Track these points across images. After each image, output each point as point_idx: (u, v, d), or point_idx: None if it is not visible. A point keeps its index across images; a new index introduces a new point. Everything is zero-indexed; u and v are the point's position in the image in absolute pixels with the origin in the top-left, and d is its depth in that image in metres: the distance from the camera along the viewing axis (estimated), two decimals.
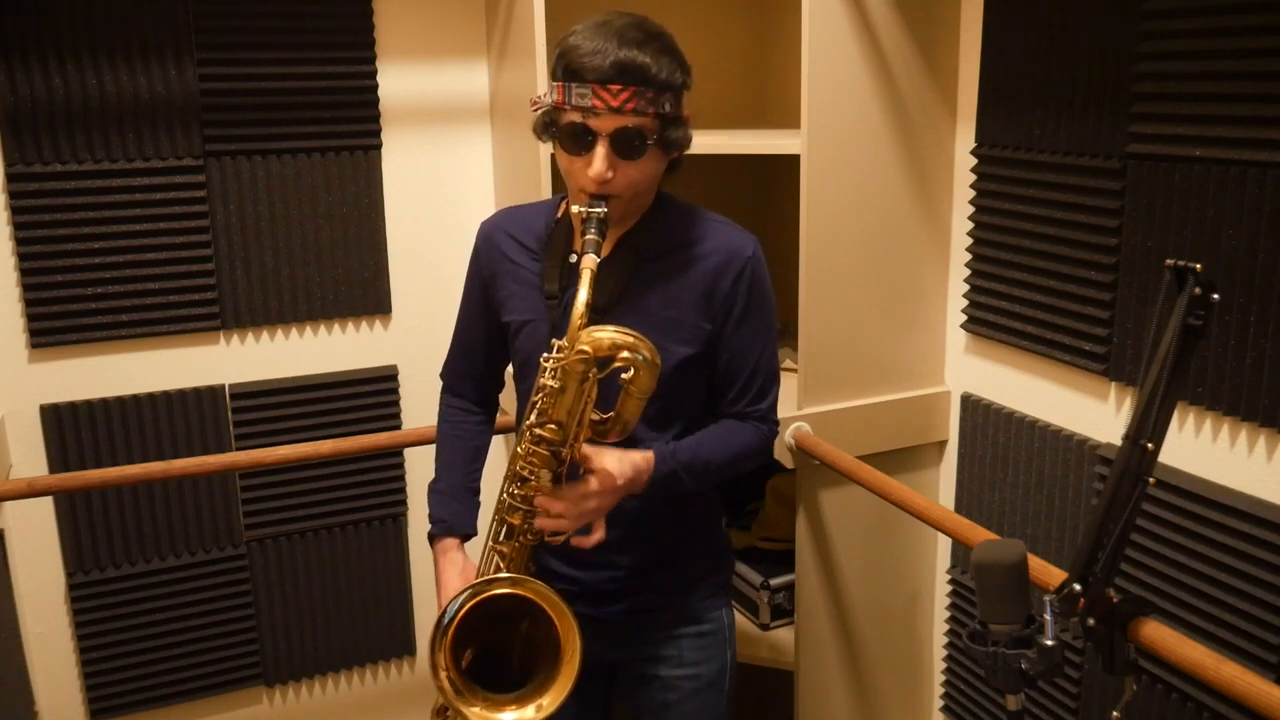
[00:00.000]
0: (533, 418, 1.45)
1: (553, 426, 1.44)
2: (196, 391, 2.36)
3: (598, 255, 1.42)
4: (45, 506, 2.30)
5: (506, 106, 2.38)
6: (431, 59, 2.44)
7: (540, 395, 1.44)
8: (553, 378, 1.41)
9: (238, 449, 2.39)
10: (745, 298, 1.56)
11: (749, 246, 1.57)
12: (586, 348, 1.38)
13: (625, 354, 1.39)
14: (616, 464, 1.45)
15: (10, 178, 2.14)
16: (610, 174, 1.43)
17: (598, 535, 1.47)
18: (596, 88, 1.40)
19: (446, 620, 1.39)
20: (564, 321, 1.45)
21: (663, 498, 1.56)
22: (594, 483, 1.44)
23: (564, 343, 1.41)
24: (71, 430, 2.28)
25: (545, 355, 1.43)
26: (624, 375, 1.42)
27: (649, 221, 1.58)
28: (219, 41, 2.23)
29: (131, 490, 2.34)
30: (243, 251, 2.34)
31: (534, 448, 1.45)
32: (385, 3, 2.37)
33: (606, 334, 1.39)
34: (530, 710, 1.41)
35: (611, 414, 1.47)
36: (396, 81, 2.41)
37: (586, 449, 1.46)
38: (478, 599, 1.40)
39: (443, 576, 1.63)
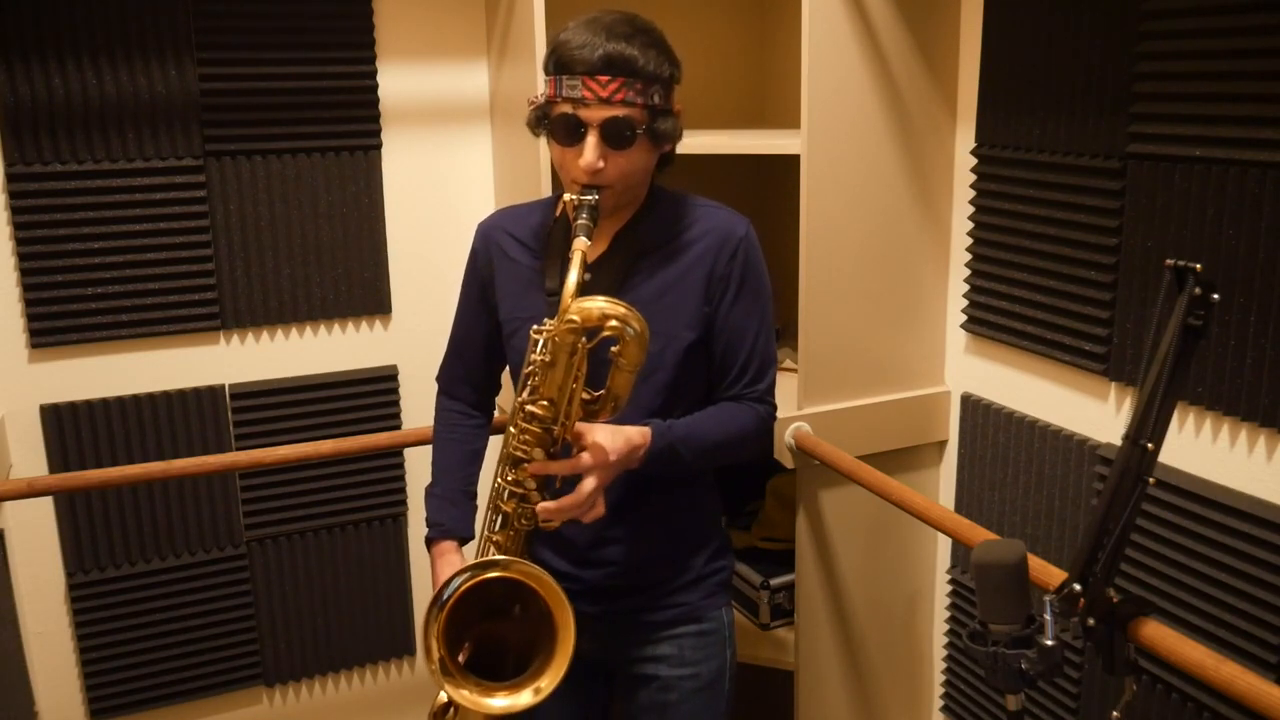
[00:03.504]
0: (524, 394, 1.45)
1: (544, 403, 1.43)
2: (196, 391, 2.36)
3: (588, 239, 1.43)
4: (45, 506, 2.30)
5: (506, 106, 2.38)
6: (431, 59, 2.44)
7: (531, 369, 1.44)
8: (542, 351, 1.41)
9: (238, 449, 2.39)
10: (740, 277, 1.57)
11: (741, 227, 1.59)
12: (575, 317, 1.38)
13: (614, 323, 1.39)
14: (609, 438, 1.44)
15: (10, 178, 2.14)
16: (601, 164, 1.45)
17: (597, 510, 1.45)
18: (586, 79, 1.43)
19: (445, 597, 1.37)
20: None
21: (659, 485, 1.56)
22: (586, 458, 1.43)
23: (554, 321, 1.41)
24: (71, 430, 2.28)
25: (536, 329, 1.43)
26: (613, 348, 1.41)
27: (643, 215, 1.59)
28: (219, 41, 2.23)
29: (131, 490, 2.34)
30: (243, 251, 2.34)
31: (526, 425, 1.45)
32: (385, 3, 2.37)
33: (596, 304, 1.39)
34: (526, 695, 1.39)
35: (602, 391, 1.47)
36: (396, 81, 2.41)
37: (579, 426, 1.45)
38: (475, 580, 1.39)
39: (440, 579, 1.62)
